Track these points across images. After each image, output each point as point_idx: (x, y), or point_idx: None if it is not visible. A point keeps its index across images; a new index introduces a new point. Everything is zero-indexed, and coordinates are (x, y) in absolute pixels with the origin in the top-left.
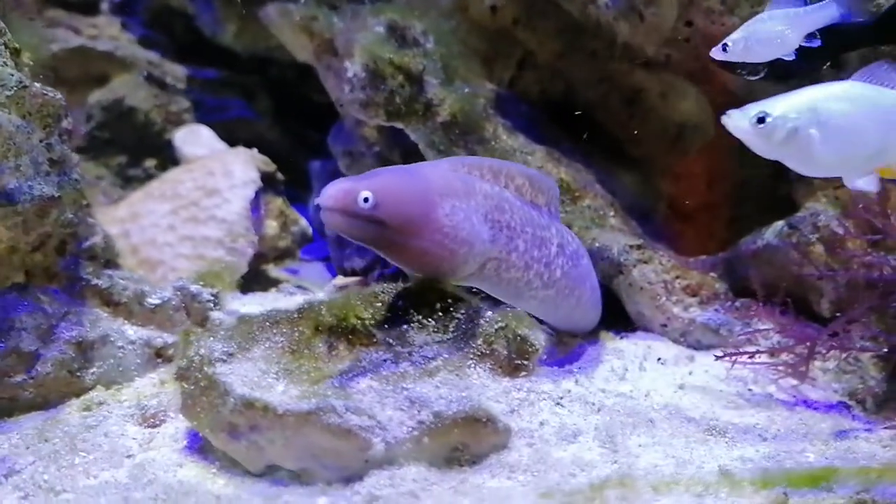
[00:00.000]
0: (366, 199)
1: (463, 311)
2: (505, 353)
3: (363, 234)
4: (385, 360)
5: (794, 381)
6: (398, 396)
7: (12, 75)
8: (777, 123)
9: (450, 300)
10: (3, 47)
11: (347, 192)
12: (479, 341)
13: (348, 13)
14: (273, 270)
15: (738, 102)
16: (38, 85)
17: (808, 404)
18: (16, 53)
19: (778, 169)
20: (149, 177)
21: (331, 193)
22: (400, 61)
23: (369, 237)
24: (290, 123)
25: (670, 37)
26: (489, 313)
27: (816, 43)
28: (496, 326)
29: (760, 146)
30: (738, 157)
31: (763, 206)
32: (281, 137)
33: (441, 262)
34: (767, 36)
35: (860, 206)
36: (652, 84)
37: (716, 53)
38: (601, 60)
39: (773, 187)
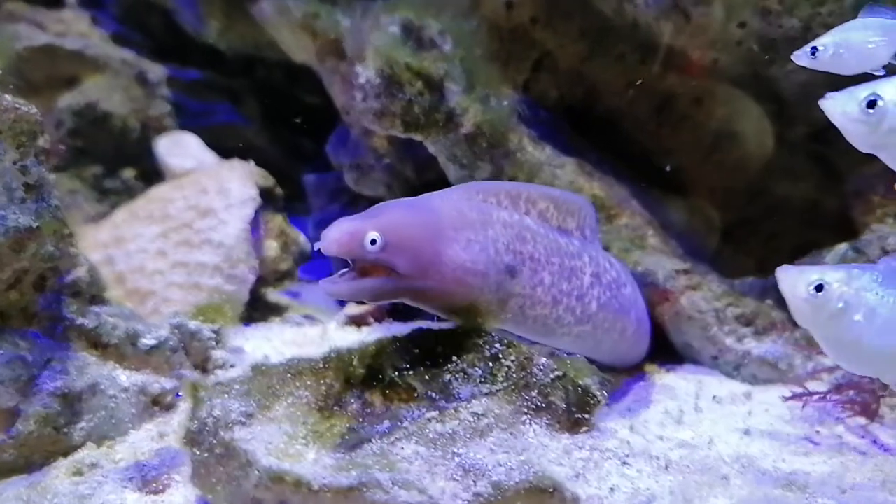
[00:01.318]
0: (373, 241)
1: (513, 358)
2: (563, 406)
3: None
4: (430, 419)
5: (863, 421)
6: (449, 464)
7: None
8: (890, 109)
9: (497, 345)
10: None
11: (352, 234)
12: (534, 393)
13: (357, 10)
14: (273, 294)
15: (789, 112)
16: (9, 98)
17: (879, 446)
18: None
19: (821, 183)
20: (127, 188)
21: (334, 237)
22: (419, 66)
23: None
24: (280, 128)
25: (719, 39)
26: (543, 360)
27: None
28: (552, 376)
29: (864, 135)
30: (778, 170)
31: (805, 221)
32: (270, 144)
33: (461, 300)
34: (860, 45)
35: None
36: (686, 89)
37: (800, 58)
38: (630, 64)
39: (816, 201)
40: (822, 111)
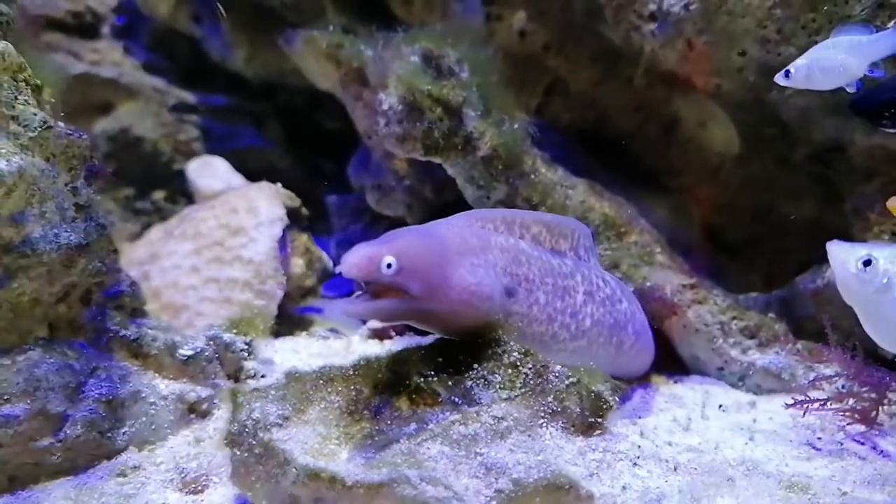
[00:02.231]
0: (388, 265)
1: (531, 366)
2: (578, 410)
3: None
4: (453, 422)
5: (862, 428)
6: (472, 462)
7: (35, 115)
8: (880, 271)
9: (516, 353)
10: (23, 84)
11: (371, 258)
12: (550, 398)
13: (379, 41)
14: (297, 310)
15: (790, 134)
16: (62, 125)
17: (878, 452)
18: (37, 91)
19: (823, 202)
20: (157, 209)
21: (353, 262)
22: (438, 93)
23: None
24: (302, 152)
25: (721, 67)
26: (558, 368)
27: (880, 74)
28: (567, 382)
29: (856, 289)
30: (781, 189)
31: (809, 239)
32: (292, 166)
33: (466, 322)
34: (831, 64)
35: None
36: (690, 113)
37: (779, 80)
38: (638, 89)
39: (818, 220)
40: (821, 134)
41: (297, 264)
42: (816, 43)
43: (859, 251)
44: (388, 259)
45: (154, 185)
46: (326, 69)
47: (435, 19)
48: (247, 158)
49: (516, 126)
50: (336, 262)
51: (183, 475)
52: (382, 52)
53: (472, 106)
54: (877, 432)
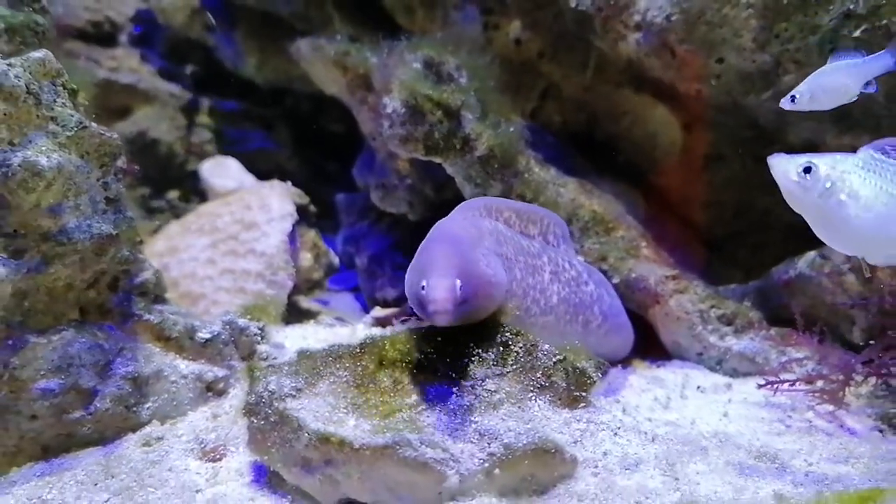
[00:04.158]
0: (460, 287)
1: (521, 345)
2: (564, 385)
3: (459, 315)
4: (451, 394)
5: (831, 407)
6: (467, 429)
7: (72, 116)
8: (821, 177)
9: (508, 334)
10: (61, 88)
11: (452, 289)
12: (539, 374)
13: (384, 49)
14: (305, 301)
15: (767, 136)
16: (95, 125)
17: (845, 429)
18: (73, 94)
19: None
20: (172, 208)
21: (444, 297)
22: (439, 97)
23: (462, 315)
24: (309, 154)
25: (702, 73)
26: (546, 346)
27: (873, 89)
28: (554, 359)
29: (800, 197)
30: (761, 187)
31: (788, 234)
32: (299, 167)
33: (488, 312)
34: (832, 86)
35: None
36: (675, 117)
37: (784, 105)
38: (626, 94)
39: (796, 216)
40: (795, 136)
41: (306, 258)
42: (788, 50)
43: (799, 160)
44: (458, 282)
45: (169, 184)
46: (334, 75)
47: (436, 28)
48: (256, 160)
49: (511, 128)
50: (342, 259)
51: (203, 445)
52: (387, 59)
53: (471, 109)
54: (845, 411)
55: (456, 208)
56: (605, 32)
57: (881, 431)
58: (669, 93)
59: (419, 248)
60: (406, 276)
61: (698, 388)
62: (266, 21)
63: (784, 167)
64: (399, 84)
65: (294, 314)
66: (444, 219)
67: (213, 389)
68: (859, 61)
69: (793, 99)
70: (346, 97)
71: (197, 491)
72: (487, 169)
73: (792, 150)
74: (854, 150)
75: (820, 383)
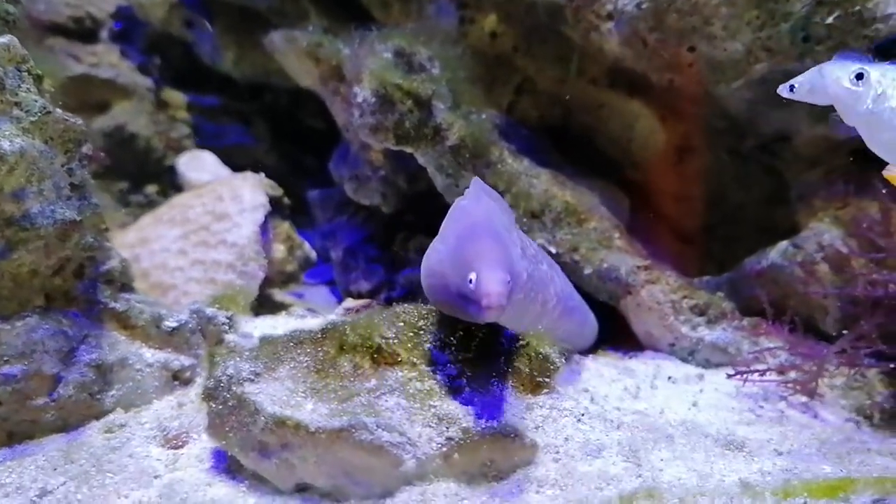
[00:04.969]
0: (508, 282)
1: (484, 330)
2: (527, 370)
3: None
4: (410, 379)
5: (804, 398)
6: (426, 413)
7: (36, 101)
8: (872, 83)
9: None
10: (26, 74)
11: (506, 282)
12: (501, 359)
13: (355, 39)
14: (279, 294)
15: (739, 127)
16: (59, 111)
17: (819, 419)
18: (38, 80)
19: (773, 192)
20: (150, 202)
21: (497, 291)
22: (409, 86)
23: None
24: (287, 148)
25: (673, 62)
26: (509, 332)
27: None
28: (517, 345)
29: (852, 104)
30: (733, 180)
31: (760, 227)
32: (278, 162)
33: None
34: None
35: (863, 225)
36: (650, 109)
37: (782, 92)
38: (600, 86)
39: (769, 209)
40: (767, 126)
41: (279, 250)
42: (760, 38)
43: (851, 66)
44: (507, 276)
45: (147, 179)
46: (307, 67)
47: (411, 22)
48: (234, 155)
49: (483, 118)
50: (320, 254)
51: (165, 433)
52: (358, 50)
53: (442, 99)
54: (819, 402)
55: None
56: (577, 23)
57: (856, 423)
58: (643, 84)
59: (449, 233)
60: (432, 267)
61: (669, 378)
62: (244, 16)
63: (837, 74)
64: (369, 73)
65: (269, 307)
66: (470, 201)
67: (179, 378)
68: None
69: (791, 88)
70: (320, 89)
71: (155, 476)
72: (459, 159)
73: (764, 140)
74: (828, 140)
75: (793, 374)
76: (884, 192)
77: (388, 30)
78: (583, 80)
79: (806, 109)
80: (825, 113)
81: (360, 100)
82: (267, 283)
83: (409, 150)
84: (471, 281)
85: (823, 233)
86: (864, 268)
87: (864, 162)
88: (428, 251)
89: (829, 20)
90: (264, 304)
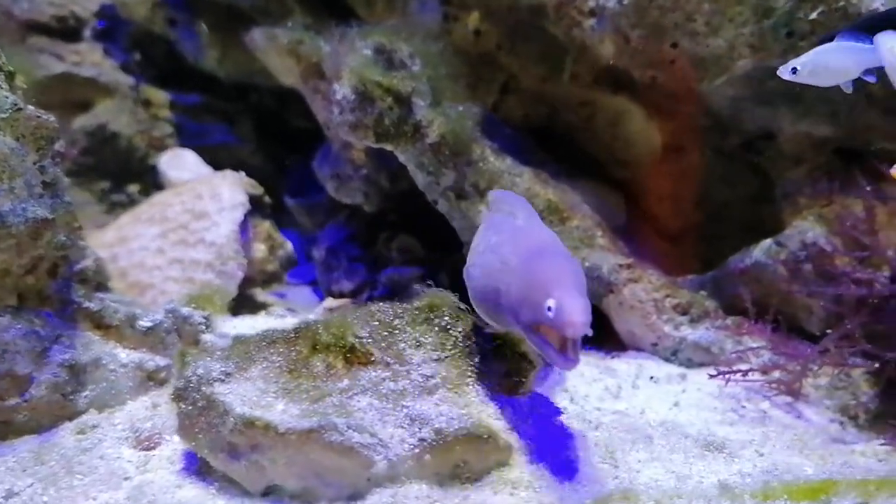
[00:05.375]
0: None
1: (460, 329)
2: (503, 370)
3: None
4: (384, 379)
5: (787, 399)
6: (398, 414)
7: (7, 98)
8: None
9: (447, 318)
10: None
11: (589, 311)
12: (477, 359)
13: (336, 36)
14: (261, 294)
15: (723, 125)
16: (31, 108)
17: (803, 420)
18: (10, 77)
19: (758, 190)
20: (132, 202)
21: (584, 320)
22: (389, 83)
23: None
24: (272, 148)
25: (655, 59)
26: (486, 331)
27: (872, 78)
28: (494, 344)
29: None
30: (719, 178)
31: (745, 226)
32: (263, 163)
33: None
34: (835, 65)
35: (847, 223)
36: (635, 106)
37: (783, 73)
38: (584, 84)
39: (755, 208)
40: (751, 123)
41: (259, 249)
42: (743, 34)
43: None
44: (589, 304)
45: (129, 178)
46: (288, 64)
47: (395, 19)
48: (218, 154)
49: (465, 116)
50: (304, 254)
51: (137, 434)
52: (338, 47)
53: (422, 96)
54: (803, 403)
55: (510, 201)
56: (559, 19)
57: (840, 423)
58: (627, 81)
59: (508, 253)
60: (488, 282)
61: (651, 378)
62: (228, 14)
63: (891, 44)
64: (349, 70)
65: (250, 306)
66: (525, 219)
67: (154, 379)
68: (867, 46)
69: (794, 70)
70: (301, 87)
71: (125, 478)
72: (439, 156)
73: (748, 137)
74: (811, 138)
75: (777, 374)
76: (868, 189)
77: (369, 27)
78: (567, 78)
79: (789, 106)
80: (808, 110)
81: (339, 97)
82: (248, 282)
83: (388, 147)
84: (549, 308)
85: (807, 231)
86: (848, 266)
87: (849, 159)
88: (475, 266)
89: (813, 16)
90: (245, 304)
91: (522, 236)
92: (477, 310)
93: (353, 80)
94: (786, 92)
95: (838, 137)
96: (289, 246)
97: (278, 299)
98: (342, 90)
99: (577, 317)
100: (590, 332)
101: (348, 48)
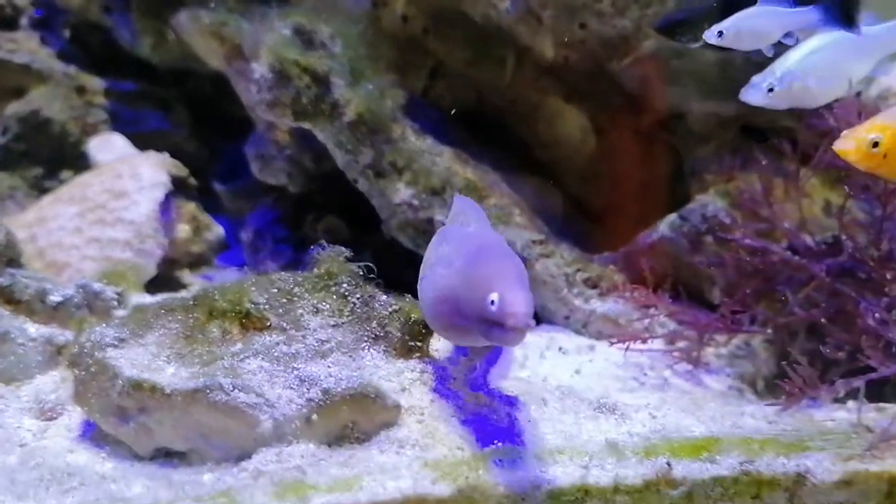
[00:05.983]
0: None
1: (358, 296)
2: (399, 335)
3: None
4: (277, 343)
5: (690, 367)
6: (288, 376)
7: None
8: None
9: (346, 285)
10: None
11: (531, 302)
12: (374, 324)
13: (256, 17)
14: (187, 276)
15: (636, 105)
16: None
17: (702, 386)
18: None
19: (675, 170)
20: None
21: (526, 311)
22: (306, 62)
23: None
24: (207, 134)
25: (567, 39)
26: (384, 297)
27: (792, 40)
28: (390, 309)
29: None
30: (639, 158)
31: (667, 204)
32: (198, 149)
33: None
34: (757, 29)
35: (746, 196)
36: (554, 88)
37: (709, 37)
38: (505, 68)
39: (674, 187)
40: (661, 102)
41: (183, 230)
42: (647, 15)
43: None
44: (531, 296)
45: (62, 164)
46: (212, 46)
47: (317, 1)
48: (154, 141)
49: (386, 96)
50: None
51: (41, 405)
52: (258, 27)
53: (340, 75)
54: (704, 371)
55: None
56: (476, 2)
57: (738, 390)
58: (544, 63)
59: (452, 256)
60: (440, 293)
61: (560, 349)
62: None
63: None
64: (266, 49)
65: (175, 287)
66: (473, 228)
67: (64, 353)
68: (788, 10)
69: (720, 34)
70: (226, 69)
71: (21, 445)
72: (357, 134)
73: (659, 118)
74: (718, 117)
75: (680, 343)
76: (764, 164)
77: (289, 7)
78: (489, 63)
79: (696, 86)
80: (715, 88)
81: (257, 76)
82: (172, 263)
83: (307, 125)
84: (492, 302)
85: (708, 204)
86: (745, 237)
87: (755, 137)
88: (426, 279)
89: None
90: (170, 285)
91: (467, 240)
92: (432, 326)
93: (271, 58)
94: (693, 71)
95: (744, 115)
96: (218, 229)
97: (205, 281)
98: (260, 69)
99: (520, 307)
100: (532, 324)
101: (267, 28)
